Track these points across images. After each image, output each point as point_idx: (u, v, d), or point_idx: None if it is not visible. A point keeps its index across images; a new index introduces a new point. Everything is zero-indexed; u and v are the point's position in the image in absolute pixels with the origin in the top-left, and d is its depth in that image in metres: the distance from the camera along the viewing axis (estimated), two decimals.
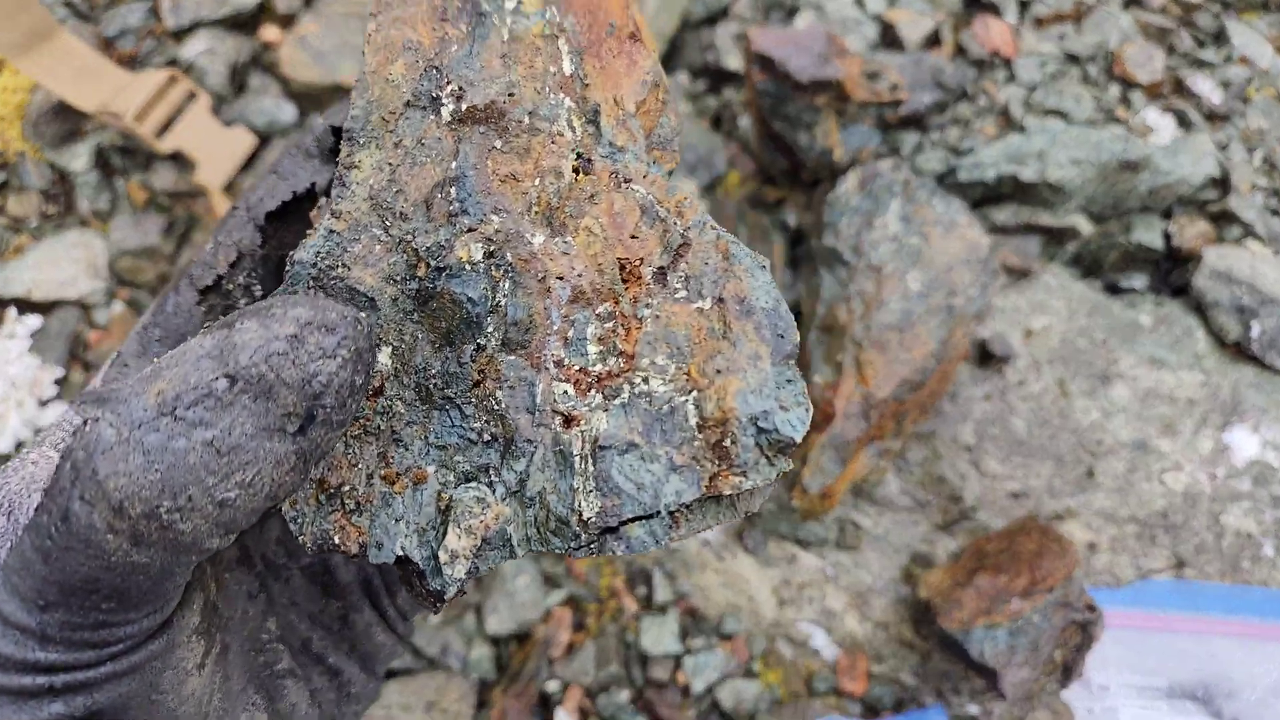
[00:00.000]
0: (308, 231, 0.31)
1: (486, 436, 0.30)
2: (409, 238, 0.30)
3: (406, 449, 0.30)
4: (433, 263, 0.30)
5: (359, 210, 0.30)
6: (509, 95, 0.31)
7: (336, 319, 0.24)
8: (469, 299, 0.29)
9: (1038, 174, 1.07)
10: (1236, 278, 1.07)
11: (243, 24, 1.18)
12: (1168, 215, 1.17)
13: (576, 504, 0.28)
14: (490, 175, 0.31)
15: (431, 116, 0.31)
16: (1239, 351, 1.07)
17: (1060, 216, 1.10)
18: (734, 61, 1.24)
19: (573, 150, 0.32)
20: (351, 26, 1.15)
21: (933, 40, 1.28)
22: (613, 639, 0.89)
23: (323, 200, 0.32)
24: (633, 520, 0.29)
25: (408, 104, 0.31)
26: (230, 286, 0.35)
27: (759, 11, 1.31)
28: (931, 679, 0.91)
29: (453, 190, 0.30)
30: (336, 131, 0.37)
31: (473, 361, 0.30)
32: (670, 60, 1.28)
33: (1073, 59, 1.29)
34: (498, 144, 0.31)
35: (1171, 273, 1.16)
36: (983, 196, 1.12)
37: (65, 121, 1.09)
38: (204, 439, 0.23)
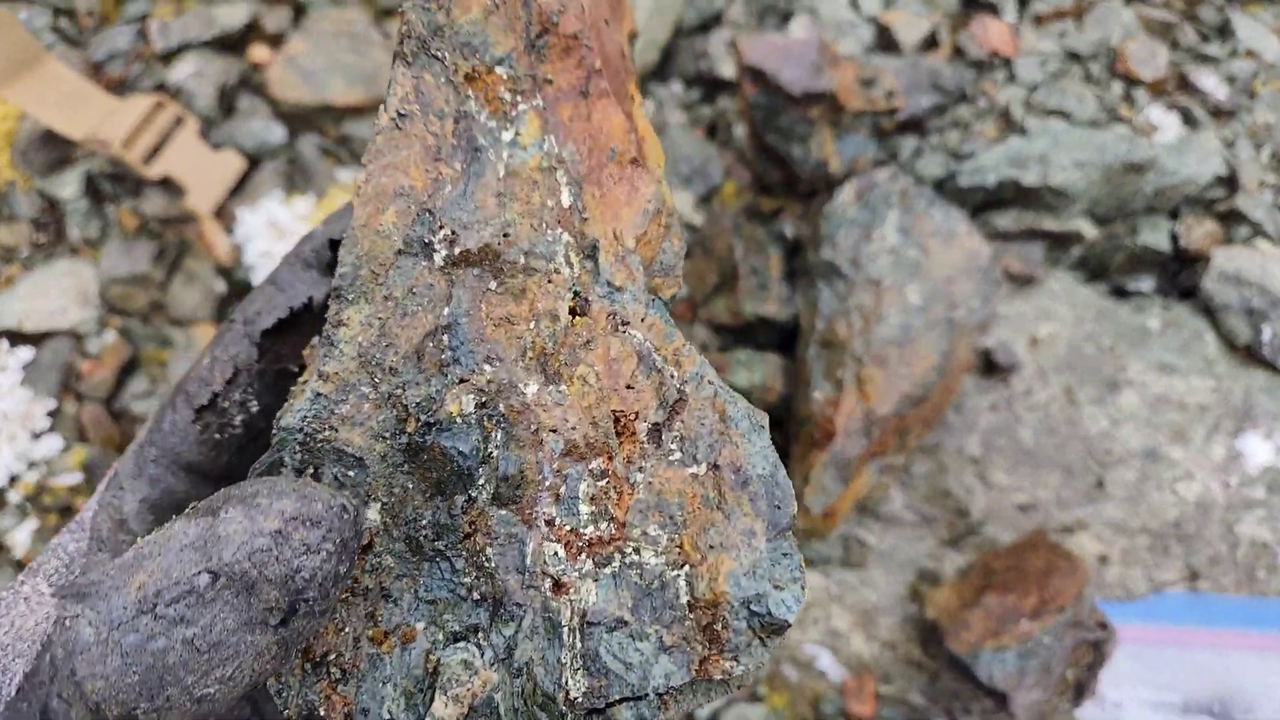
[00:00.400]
0: (296, 386, 0.30)
1: (476, 595, 0.29)
2: (398, 392, 0.29)
3: (396, 604, 0.29)
4: (423, 418, 0.29)
5: (347, 370, 0.29)
6: (504, 236, 0.31)
7: (322, 511, 0.24)
8: (459, 452, 0.29)
9: (1040, 178, 1.05)
10: (1246, 280, 1.05)
11: (231, 44, 1.17)
12: (1174, 216, 1.15)
13: (564, 680, 0.28)
14: (484, 320, 0.30)
15: (424, 263, 0.30)
16: (1250, 355, 1.05)
17: (1064, 221, 1.07)
18: (728, 69, 1.22)
19: (570, 289, 0.32)
20: (340, 45, 1.14)
21: (930, 42, 1.26)
22: None
23: (315, 341, 0.32)
24: (620, 701, 0.28)
25: (399, 252, 0.30)
26: (226, 404, 0.35)
27: (753, 16, 1.29)
28: (941, 699, 0.89)
29: (445, 338, 0.30)
30: (335, 244, 0.36)
31: (464, 513, 0.29)
32: (664, 69, 1.27)
33: (1074, 57, 1.27)
34: (492, 285, 0.31)
35: (1180, 274, 1.14)
36: (984, 201, 1.10)
37: (54, 149, 1.08)
38: (184, 637, 0.23)
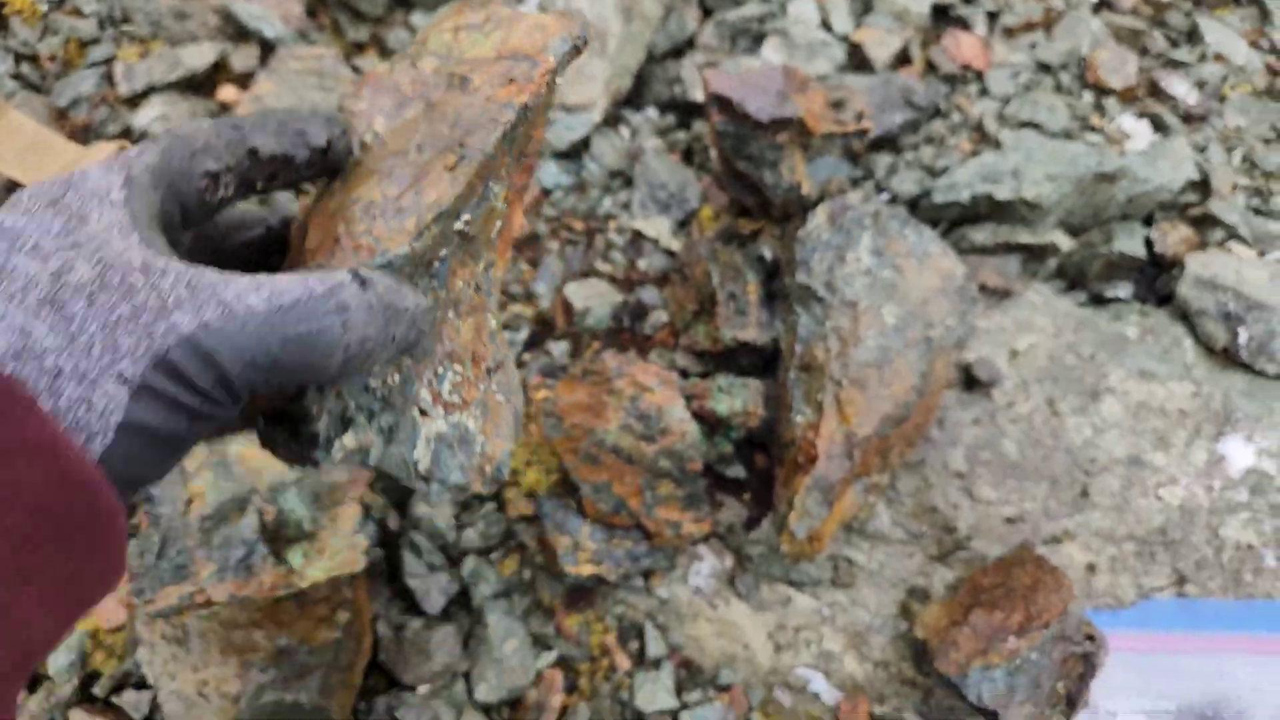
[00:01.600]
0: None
1: (380, 396, 0.42)
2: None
3: (348, 395, 0.42)
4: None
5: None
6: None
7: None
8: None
9: (1013, 192, 1.06)
10: (1221, 284, 1.05)
11: (198, 85, 1.17)
12: (1149, 222, 1.15)
13: (414, 458, 0.43)
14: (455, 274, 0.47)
15: None
16: (1228, 359, 1.05)
17: (1039, 234, 1.08)
18: (701, 94, 1.23)
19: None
20: (307, 84, 1.14)
21: (902, 58, 1.27)
22: (606, 699, 0.87)
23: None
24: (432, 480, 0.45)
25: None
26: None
27: (725, 40, 1.30)
28: (935, 715, 0.89)
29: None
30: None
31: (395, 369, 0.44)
32: (637, 95, 1.27)
33: (1045, 68, 1.28)
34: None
35: (1156, 280, 1.15)
36: (959, 217, 1.10)
37: None
38: None
